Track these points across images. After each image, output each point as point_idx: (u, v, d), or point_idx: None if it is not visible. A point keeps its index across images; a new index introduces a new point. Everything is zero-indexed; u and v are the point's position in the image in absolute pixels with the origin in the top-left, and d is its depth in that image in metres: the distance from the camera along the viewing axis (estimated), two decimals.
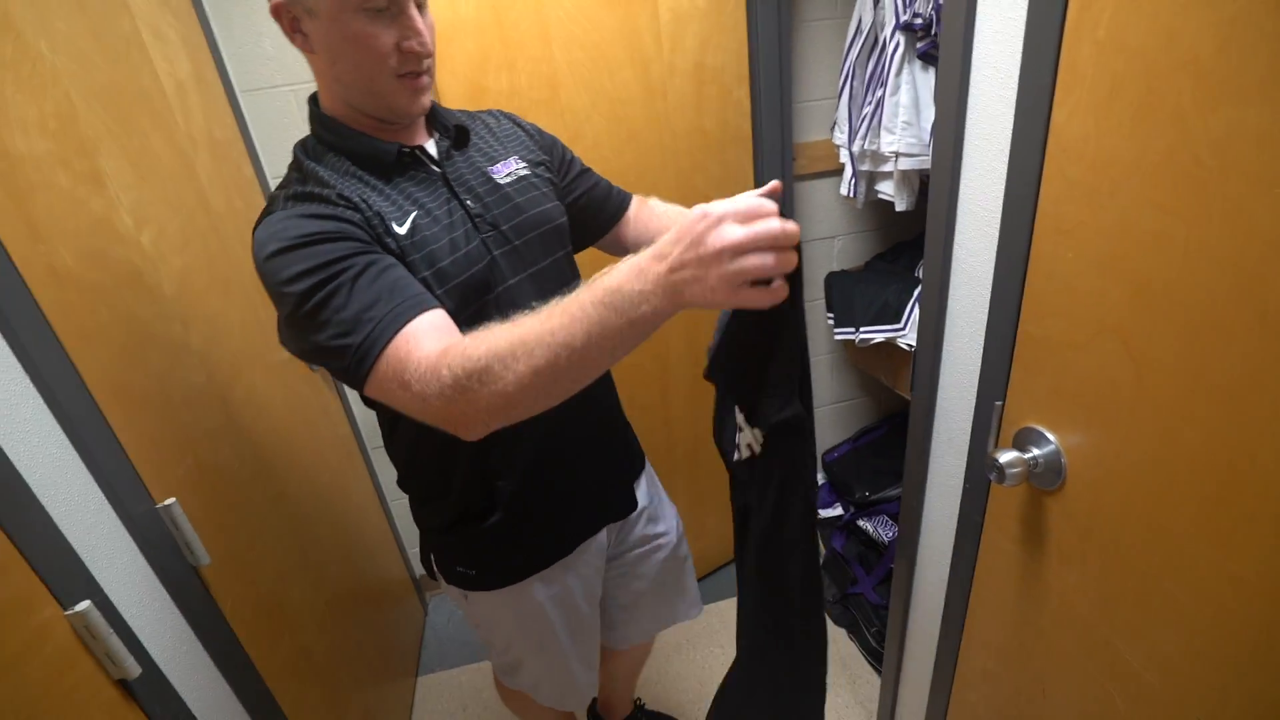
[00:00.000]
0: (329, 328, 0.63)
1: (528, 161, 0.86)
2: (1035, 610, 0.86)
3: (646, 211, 1.01)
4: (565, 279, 0.86)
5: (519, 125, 0.93)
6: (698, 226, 0.50)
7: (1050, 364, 0.74)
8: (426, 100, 0.76)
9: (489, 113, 0.92)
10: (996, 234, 0.78)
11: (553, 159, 0.92)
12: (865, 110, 1.56)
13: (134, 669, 0.71)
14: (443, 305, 0.69)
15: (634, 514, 1.06)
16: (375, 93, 0.72)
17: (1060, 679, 0.85)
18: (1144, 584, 0.69)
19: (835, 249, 1.93)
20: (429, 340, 0.61)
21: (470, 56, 1.23)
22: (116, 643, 0.69)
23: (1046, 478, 0.77)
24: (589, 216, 0.96)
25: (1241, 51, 0.49)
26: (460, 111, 0.88)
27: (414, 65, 0.71)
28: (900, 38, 1.44)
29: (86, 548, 0.70)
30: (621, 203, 0.99)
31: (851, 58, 1.57)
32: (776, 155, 1.64)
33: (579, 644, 1.05)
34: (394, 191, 0.74)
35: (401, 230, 0.72)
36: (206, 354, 1.06)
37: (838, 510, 1.98)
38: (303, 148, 0.76)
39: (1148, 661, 0.70)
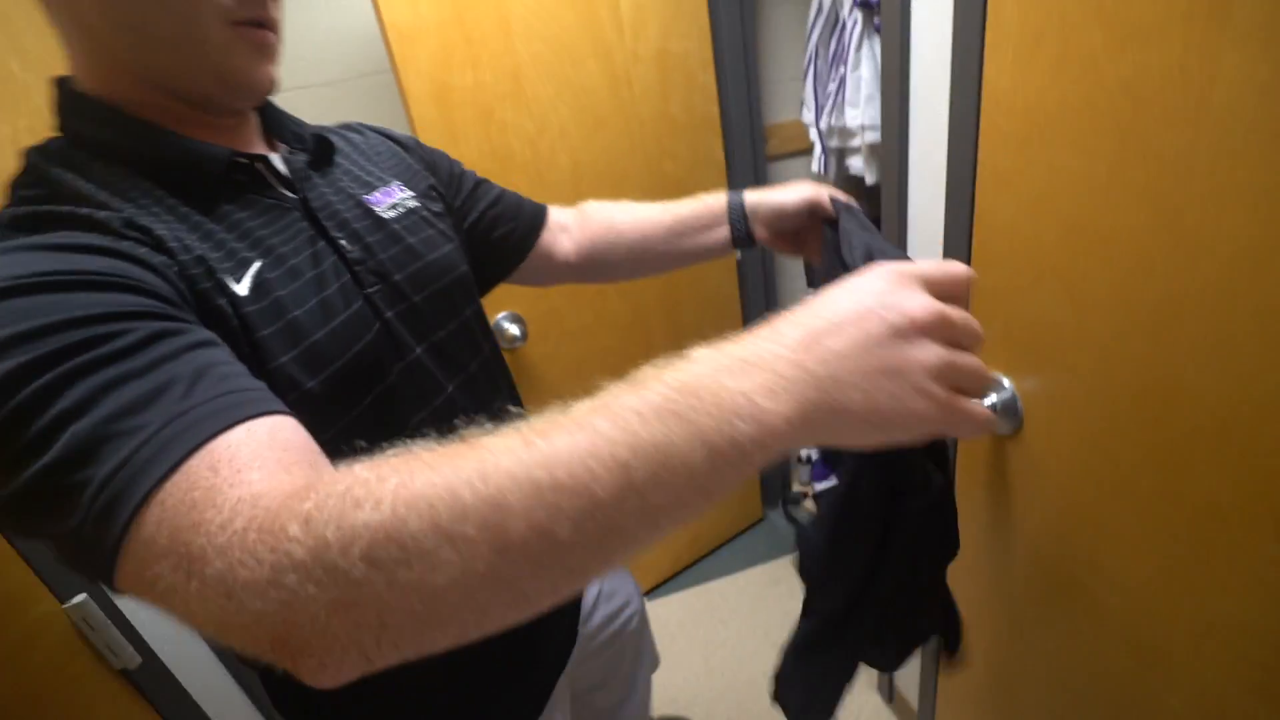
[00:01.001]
0: (46, 450, 0.31)
1: (414, 190, 0.63)
2: (1006, 556, 0.89)
3: (595, 215, 0.80)
4: (479, 348, 0.63)
5: (392, 139, 0.69)
6: (874, 283, 0.33)
7: (1001, 311, 0.77)
8: (274, 72, 0.50)
9: (348, 126, 0.68)
10: (944, 191, 0.81)
11: (439, 177, 0.70)
12: (830, 87, 1.59)
13: (134, 659, 0.73)
14: (316, 407, 0.46)
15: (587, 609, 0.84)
16: (194, 52, 0.45)
17: (1033, 617, 0.88)
18: (1098, 514, 0.72)
19: None
20: (264, 469, 0.31)
21: (434, 55, 1.25)
22: (115, 634, 0.72)
23: (1007, 423, 0.80)
24: (501, 237, 0.74)
25: None
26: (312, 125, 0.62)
27: (255, 9, 0.46)
28: (858, 14, 1.47)
29: None
30: (536, 212, 0.78)
31: (814, 37, 1.60)
32: (746, 138, 1.67)
33: None
34: (220, 227, 0.47)
35: (240, 289, 0.45)
36: None
37: (832, 481, 2.01)
38: (41, 153, 0.44)
39: (1108, 587, 0.73)
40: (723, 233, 0.73)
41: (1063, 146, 0.62)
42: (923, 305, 0.32)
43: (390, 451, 0.31)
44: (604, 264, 0.80)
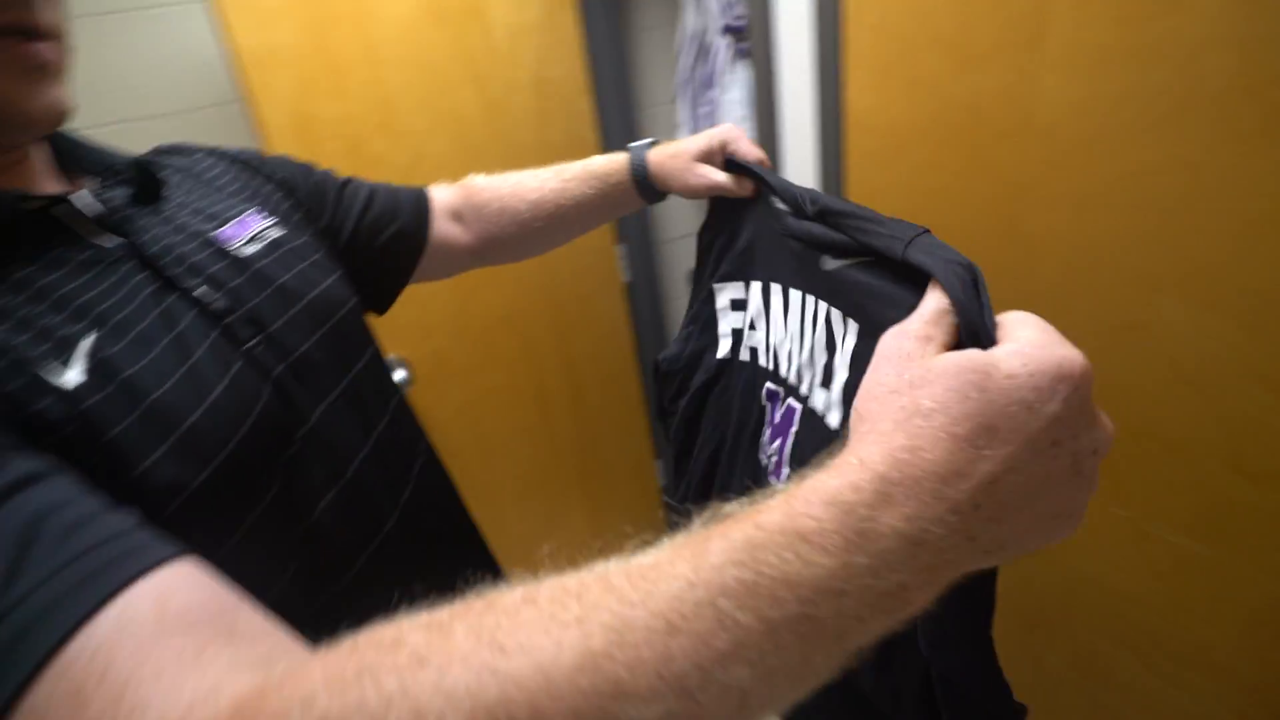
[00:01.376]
0: None
1: (275, 215, 0.52)
2: None
3: (488, 202, 0.69)
4: (387, 393, 0.54)
5: (229, 159, 0.56)
6: (1055, 406, 0.24)
7: None
8: (58, 96, 0.37)
9: (162, 150, 0.54)
10: None
11: (299, 196, 0.58)
12: (703, 110, 1.66)
13: None
14: (210, 509, 0.37)
15: None
16: None
17: None
18: None
19: (691, 248, 2.01)
20: (164, 673, 0.22)
21: (294, 84, 1.17)
22: None
23: None
24: (389, 241, 0.64)
25: (975, 23, 0.58)
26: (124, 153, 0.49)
27: (15, 11, 0.34)
28: (725, 40, 1.55)
29: None
30: (418, 201, 0.68)
31: (684, 61, 1.67)
32: None
33: None
34: (21, 299, 0.36)
35: (68, 379, 0.34)
36: None
37: None
38: None
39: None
40: (629, 200, 0.68)
41: (917, 164, 0.68)
42: (1107, 436, 0.25)
43: (367, 633, 0.22)
44: (505, 247, 0.72)
